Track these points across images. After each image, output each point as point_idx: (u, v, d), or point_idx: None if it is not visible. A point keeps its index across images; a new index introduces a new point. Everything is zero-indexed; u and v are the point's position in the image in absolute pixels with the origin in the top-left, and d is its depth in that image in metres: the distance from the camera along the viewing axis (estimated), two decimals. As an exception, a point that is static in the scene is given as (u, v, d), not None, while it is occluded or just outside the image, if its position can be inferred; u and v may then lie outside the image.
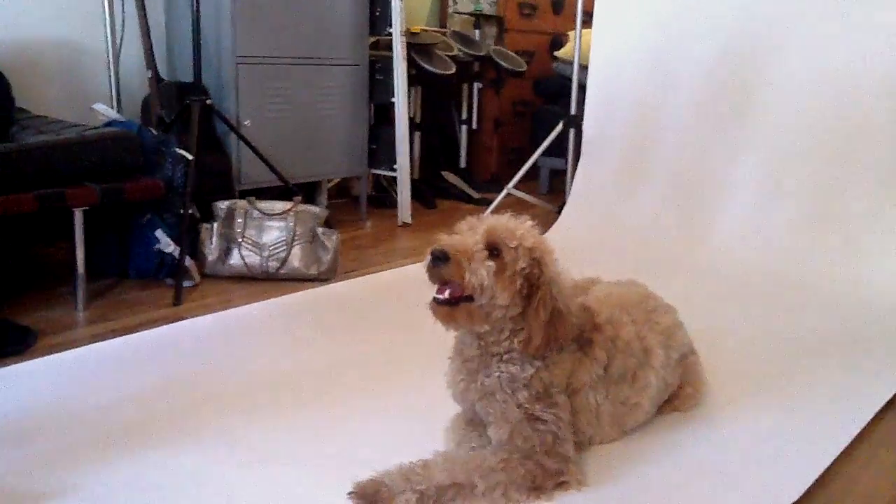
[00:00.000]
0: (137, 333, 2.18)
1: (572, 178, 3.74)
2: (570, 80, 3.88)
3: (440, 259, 1.35)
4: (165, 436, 1.62)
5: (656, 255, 3.15)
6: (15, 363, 1.96)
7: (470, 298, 1.37)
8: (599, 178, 3.65)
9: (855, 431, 1.74)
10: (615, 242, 3.33)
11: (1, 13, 2.89)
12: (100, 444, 1.58)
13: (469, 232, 1.41)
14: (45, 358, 2.00)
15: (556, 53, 4.77)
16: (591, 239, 3.37)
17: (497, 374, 1.44)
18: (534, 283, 1.39)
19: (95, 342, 2.12)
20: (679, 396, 1.72)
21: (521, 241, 1.38)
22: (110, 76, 3.13)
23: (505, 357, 1.44)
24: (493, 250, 1.38)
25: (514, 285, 1.37)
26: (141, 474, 1.46)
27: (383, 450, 1.53)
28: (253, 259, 2.74)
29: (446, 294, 1.37)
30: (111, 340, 2.13)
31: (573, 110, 3.82)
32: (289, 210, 2.78)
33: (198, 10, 2.94)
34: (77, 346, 2.08)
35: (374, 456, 1.48)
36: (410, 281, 2.68)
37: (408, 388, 1.88)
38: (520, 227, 1.41)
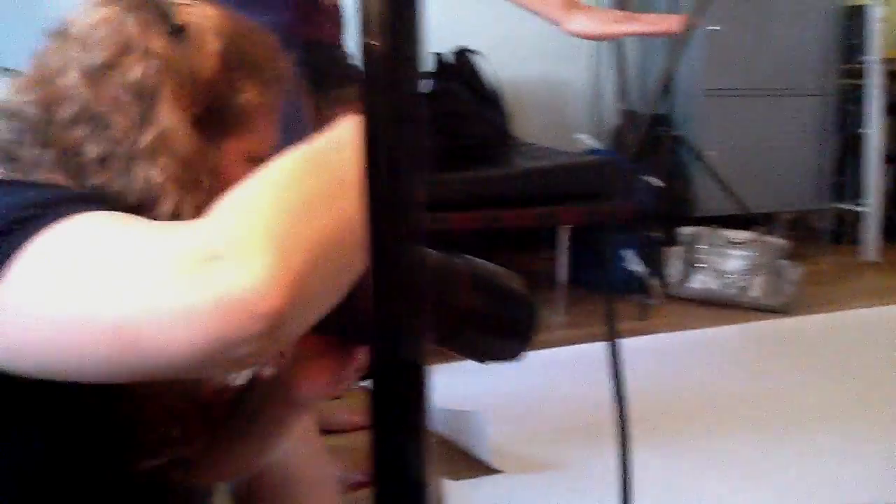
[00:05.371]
0: (602, 343, 2.39)
1: None
2: None
3: None
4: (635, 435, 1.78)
5: None
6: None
7: None
8: None
9: None
10: None
11: (501, 54, 3.36)
12: (586, 431, 1.79)
13: None
14: (529, 354, 2.29)
15: None
16: None
17: None
18: None
19: (572, 344, 2.37)
20: None
21: None
22: (590, 108, 3.45)
23: None
24: None
25: None
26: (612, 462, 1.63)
27: (820, 490, 1.50)
28: (713, 284, 2.81)
29: None
30: (586, 344, 2.37)
31: None
32: (752, 240, 2.81)
33: (674, 47, 3.10)
34: (557, 347, 2.34)
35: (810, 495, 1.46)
36: (876, 324, 2.54)
37: (857, 433, 1.80)
38: None
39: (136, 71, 0.65)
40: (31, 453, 0.62)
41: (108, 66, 0.65)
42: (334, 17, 1.95)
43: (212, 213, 0.50)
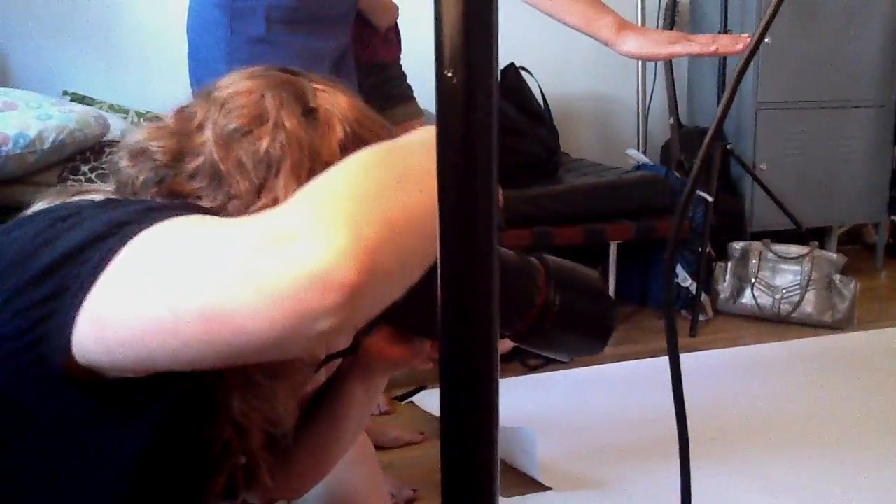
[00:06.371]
0: (655, 358, 2.40)
1: None
2: None
3: None
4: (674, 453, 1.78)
5: None
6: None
7: None
8: None
9: None
10: None
11: (550, 70, 3.38)
12: (636, 448, 1.80)
13: None
14: (577, 370, 2.31)
15: None
16: None
17: None
18: None
19: (621, 361, 2.38)
20: None
21: None
22: (638, 123, 3.45)
23: None
24: None
25: None
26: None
27: None
28: (765, 300, 2.79)
29: None
30: (634, 361, 2.38)
31: None
32: (805, 255, 2.78)
33: (724, 60, 3.10)
34: (605, 363, 2.36)
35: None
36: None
37: None
38: None
39: (264, 142, 0.70)
40: (137, 445, 0.65)
41: (241, 132, 0.70)
42: (392, 39, 2.02)
43: (288, 202, 0.53)
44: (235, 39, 1.43)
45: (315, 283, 0.48)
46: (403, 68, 2.06)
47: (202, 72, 1.48)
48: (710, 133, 0.74)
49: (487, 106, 0.41)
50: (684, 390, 2.11)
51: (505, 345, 0.78)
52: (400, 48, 2.04)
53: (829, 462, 1.76)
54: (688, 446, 0.90)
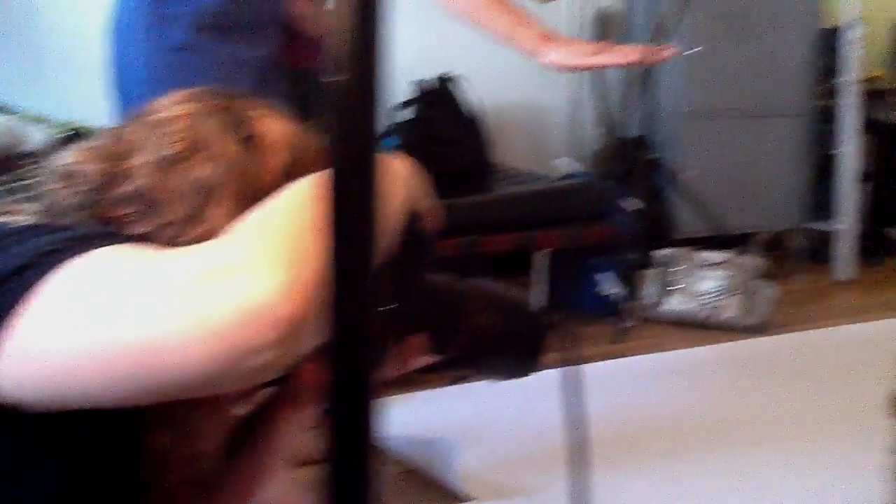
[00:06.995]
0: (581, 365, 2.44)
1: None
2: None
3: None
4: (606, 456, 1.83)
5: None
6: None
7: None
8: None
9: None
10: None
11: (484, 81, 3.42)
12: (559, 456, 1.84)
13: None
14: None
15: None
16: None
17: None
18: None
19: (546, 369, 2.41)
20: None
21: None
22: (569, 132, 3.51)
23: None
24: None
25: None
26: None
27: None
28: (689, 306, 2.87)
29: None
30: (557, 369, 2.41)
31: None
32: (727, 261, 2.87)
33: (643, 71, 3.18)
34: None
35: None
36: (851, 342, 2.59)
37: (838, 450, 1.85)
38: None
39: (201, 169, 0.68)
40: (54, 483, 0.63)
41: (179, 159, 0.68)
42: (313, 44, 2.01)
43: (226, 235, 0.53)
44: (158, 46, 1.41)
45: (254, 317, 0.48)
46: None
47: (122, 78, 1.46)
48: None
49: (373, 107, 0.43)
50: (608, 396, 2.16)
51: (423, 360, 0.80)
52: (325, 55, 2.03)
53: (751, 463, 1.81)
54: (585, 458, 0.93)
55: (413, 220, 0.77)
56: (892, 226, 4.18)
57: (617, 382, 2.34)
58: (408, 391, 2.03)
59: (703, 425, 2.02)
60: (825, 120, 3.63)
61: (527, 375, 0.81)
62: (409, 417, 1.96)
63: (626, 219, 2.89)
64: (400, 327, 0.76)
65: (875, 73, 3.99)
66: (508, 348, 0.78)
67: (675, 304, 2.90)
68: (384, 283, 0.50)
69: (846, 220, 3.55)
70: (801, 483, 1.71)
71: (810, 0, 3.53)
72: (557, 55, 1.53)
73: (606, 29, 3.41)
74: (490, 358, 0.76)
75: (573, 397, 0.99)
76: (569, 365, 0.98)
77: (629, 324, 2.83)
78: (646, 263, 3.02)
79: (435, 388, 2.22)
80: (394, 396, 2.06)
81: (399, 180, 0.72)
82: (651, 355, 2.56)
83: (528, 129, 3.61)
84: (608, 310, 2.88)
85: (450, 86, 3.12)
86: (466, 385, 2.27)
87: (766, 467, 1.79)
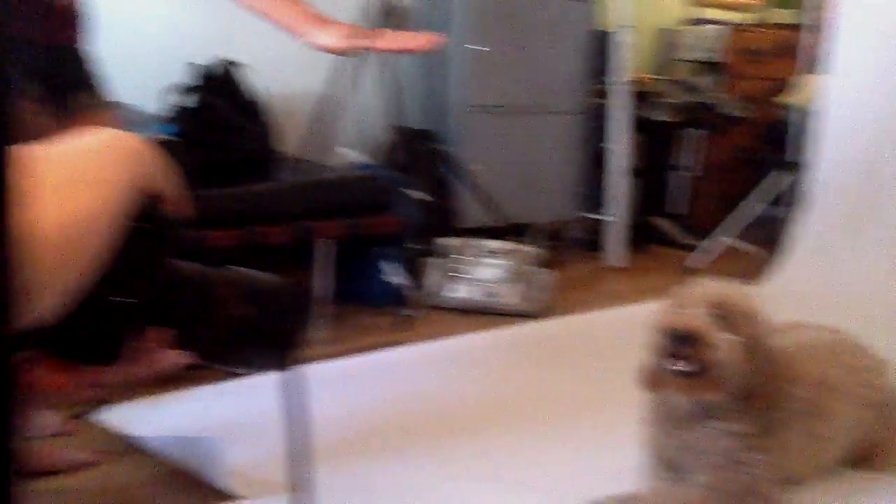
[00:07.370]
0: (364, 356, 2.44)
1: (791, 225, 3.64)
2: (794, 125, 3.80)
3: (683, 339, 1.38)
4: (384, 447, 1.83)
5: (885, 311, 3.00)
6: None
7: (706, 371, 1.39)
8: (824, 227, 3.52)
9: None
10: (838, 295, 3.20)
11: (268, 69, 3.33)
12: (326, 450, 1.81)
13: (690, 302, 1.43)
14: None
15: (782, 99, 4.65)
16: (811, 290, 3.26)
17: (710, 428, 1.47)
18: (755, 347, 1.42)
19: (328, 361, 2.39)
20: (880, 454, 1.67)
21: (745, 310, 1.42)
22: (357, 123, 3.50)
23: (720, 413, 1.46)
24: (720, 320, 1.40)
25: (744, 354, 1.40)
26: (359, 477, 1.68)
27: (580, 481, 1.63)
28: (472, 293, 2.94)
29: (685, 367, 1.39)
30: (342, 360, 2.40)
31: (794, 157, 3.73)
32: (507, 249, 2.97)
33: (430, 66, 3.23)
34: (313, 363, 2.35)
35: (571, 486, 1.59)
36: (619, 323, 2.76)
37: (605, 425, 1.96)
38: (737, 294, 1.44)
39: None
40: None
41: None
42: (69, 19, 1.85)
43: None
44: None
45: None
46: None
47: None
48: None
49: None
50: (386, 385, 2.13)
51: (172, 357, 0.74)
52: (83, 31, 1.88)
53: (514, 441, 1.87)
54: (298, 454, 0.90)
55: (152, 204, 0.71)
56: (659, 216, 4.53)
57: (400, 370, 2.36)
58: (176, 389, 1.92)
59: (477, 409, 2.07)
60: (598, 117, 3.86)
61: (284, 369, 0.77)
62: (174, 416, 1.86)
63: (410, 209, 2.91)
64: (139, 321, 0.69)
65: (643, 76, 4.30)
66: (262, 341, 0.73)
67: (459, 291, 2.96)
68: (117, 273, 0.45)
69: (617, 211, 3.80)
70: (565, 458, 1.79)
71: (585, 5, 3.74)
72: (325, 37, 1.51)
73: (391, 21, 3.43)
74: (242, 351, 0.72)
75: (296, 397, 0.96)
76: (308, 363, 0.96)
77: (411, 312, 2.86)
78: (430, 252, 3.06)
79: (205, 384, 2.13)
80: (160, 395, 1.95)
81: (127, 158, 0.68)
82: (435, 342, 2.60)
83: (314, 119, 3.56)
84: (393, 299, 2.89)
85: (234, 72, 3.01)
86: (236, 381, 2.20)
87: (532, 446, 1.85)
